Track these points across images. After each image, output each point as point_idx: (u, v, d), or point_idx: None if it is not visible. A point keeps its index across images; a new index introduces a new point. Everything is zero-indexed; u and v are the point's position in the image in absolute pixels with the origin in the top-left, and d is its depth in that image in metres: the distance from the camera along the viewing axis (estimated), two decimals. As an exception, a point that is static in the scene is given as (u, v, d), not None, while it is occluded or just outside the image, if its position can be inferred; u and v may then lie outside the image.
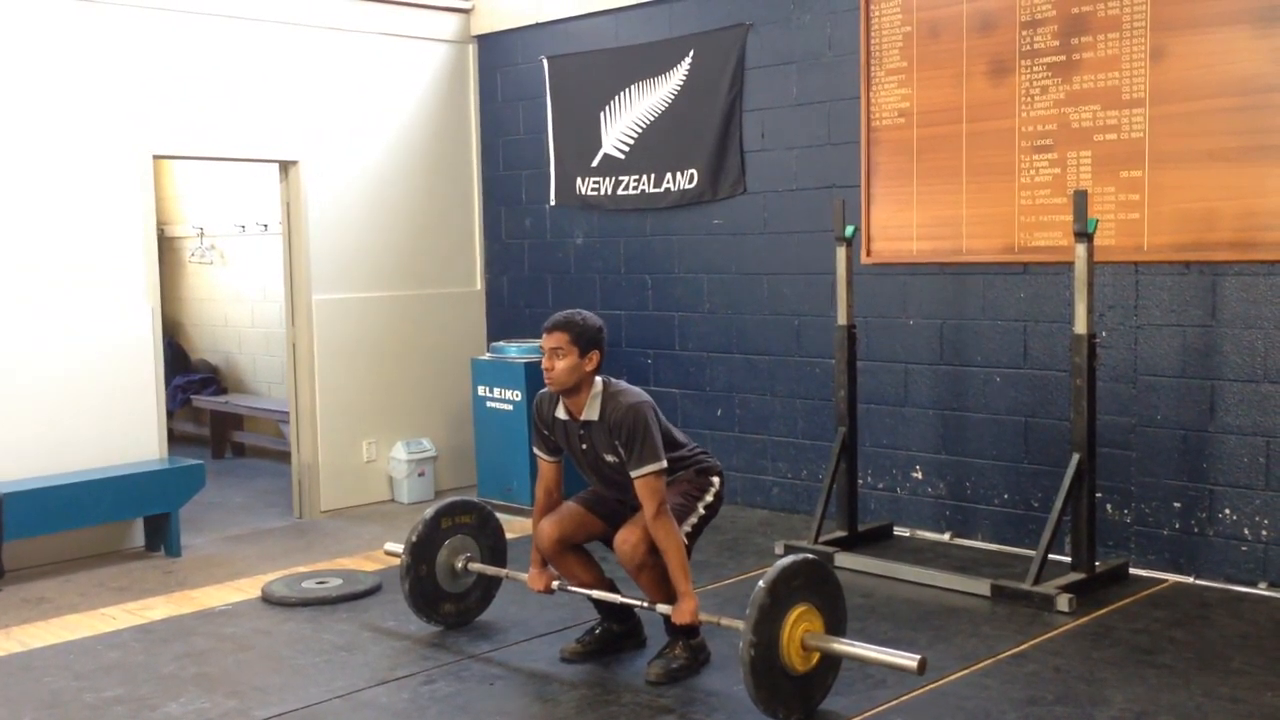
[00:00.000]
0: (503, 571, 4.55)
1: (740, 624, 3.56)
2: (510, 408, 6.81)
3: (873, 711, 3.69)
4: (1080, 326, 4.70)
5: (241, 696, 3.96)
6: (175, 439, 8.13)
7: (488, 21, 7.56)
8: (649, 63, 6.73)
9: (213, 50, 6.55)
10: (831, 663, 3.73)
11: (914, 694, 3.81)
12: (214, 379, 9.34)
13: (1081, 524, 4.81)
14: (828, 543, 5.40)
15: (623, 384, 4.05)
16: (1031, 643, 4.24)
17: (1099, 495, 5.00)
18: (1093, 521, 4.83)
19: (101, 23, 6.14)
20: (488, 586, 4.65)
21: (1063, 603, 4.55)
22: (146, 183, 6.34)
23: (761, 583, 3.56)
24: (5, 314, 5.86)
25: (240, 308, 9.26)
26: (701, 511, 4.10)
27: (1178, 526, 5.02)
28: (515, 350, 6.92)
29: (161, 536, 6.15)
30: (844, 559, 5.24)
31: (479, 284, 7.82)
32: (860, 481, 5.74)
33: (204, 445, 9.00)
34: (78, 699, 3.96)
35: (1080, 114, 5.15)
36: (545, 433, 4.14)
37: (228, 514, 7.07)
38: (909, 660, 3.50)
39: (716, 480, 4.16)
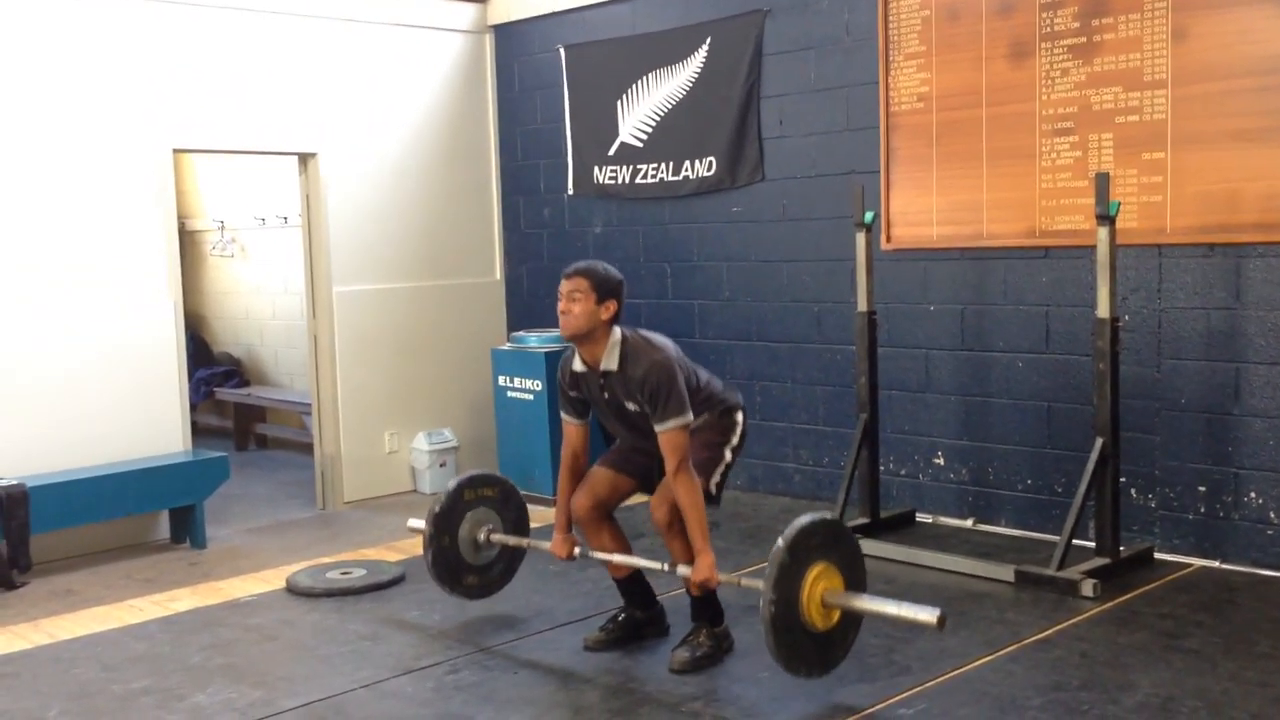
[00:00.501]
0: (525, 541, 4.53)
1: (760, 583, 3.55)
2: (531, 397, 6.82)
3: (897, 698, 3.69)
4: (1103, 310, 4.67)
5: (268, 686, 3.98)
6: (199, 432, 8.16)
7: (504, 11, 7.55)
8: (666, 50, 6.71)
9: (231, 44, 6.57)
10: (852, 620, 3.72)
11: (938, 680, 3.80)
12: (236, 372, 9.39)
13: (1106, 509, 4.78)
14: (850, 529, 5.38)
15: (643, 334, 3.99)
16: (1056, 628, 4.23)
17: (1123, 480, 4.97)
18: (1117, 506, 4.80)
19: (121, 18, 6.16)
20: (511, 559, 4.64)
21: (1087, 588, 4.53)
22: (167, 177, 6.37)
23: (780, 541, 3.55)
24: (29, 309, 5.89)
25: (261, 300, 9.30)
26: (728, 457, 4.08)
27: (1203, 510, 4.99)
28: (535, 340, 6.93)
29: (186, 528, 6.19)
30: (866, 545, 5.18)
31: (498, 274, 7.82)
32: (882, 468, 5.73)
33: (227, 438, 9.05)
34: (106, 690, 4.00)
35: (1101, 96, 5.11)
36: (570, 392, 4.10)
37: (252, 506, 7.11)
38: (929, 614, 3.48)
39: (740, 416, 4.11)
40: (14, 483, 5.57)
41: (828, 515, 3.77)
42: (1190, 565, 4.91)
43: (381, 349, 7.21)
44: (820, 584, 3.60)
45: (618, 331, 3.94)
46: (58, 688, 4.03)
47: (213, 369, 9.34)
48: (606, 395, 3.99)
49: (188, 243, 9.27)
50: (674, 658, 3.98)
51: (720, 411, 4.10)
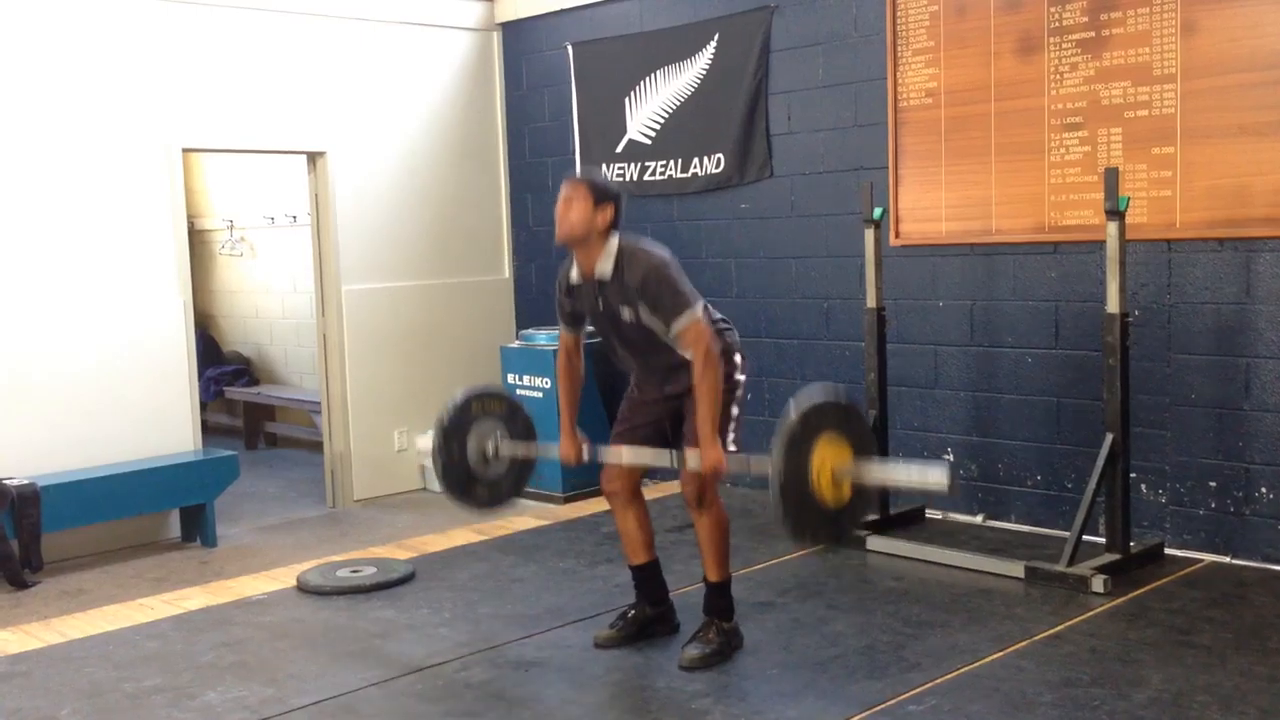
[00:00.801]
0: (534, 447, 4.48)
1: (769, 458, 3.52)
2: (540, 395, 6.82)
3: (908, 694, 3.68)
4: (1113, 305, 4.66)
5: (279, 685, 3.99)
6: (209, 430, 8.20)
7: (512, 8, 7.56)
8: (674, 47, 6.70)
9: (240, 43, 6.58)
10: (861, 496, 3.69)
11: (948, 676, 3.80)
12: (246, 370, 9.41)
13: (1116, 504, 4.77)
14: (860, 526, 5.38)
15: (643, 241, 3.95)
16: (1067, 624, 4.22)
17: (1133, 475, 4.95)
18: (1127, 502, 4.79)
19: (130, 17, 6.18)
20: (519, 473, 4.56)
21: (1098, 584, 4.52)
22: (176, 176, 6.39)
23: (791, 413, 3.52)
24: (39, 309, 5.92)
25: (271, 299, 9.32)
26: (735, 412, 3.99)
27: (1213, 506, 4.98)
28: (545, 338, 6.93)
29: (197, 527, 6.21)
30: (876, 542, 5.23)
31: (507, 272, 7.83)
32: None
33: (237, 436, 9.08)
34: (118, 689, 4.01)
35: (1110, 91, 5.10)
36: (566, 305, 4.09)
37: (262, 504, 7.13)
38: (939, 476, 3.46)
39: (738, 359, 4.03)
40: (25, 482, 5.59)
41: (839, 393, 3.72)
42: (1201, 561, 4.90)
43: (391, 347, 7.22)
44: (830, 457, 3.56)
45: (615, 239, 3.89)
46: (69, 686, 4.05)
47: (222, 368, 9.37)
48: (601, 305, 3.95)
49: (197, 242, 9.28)
50: (684, 654, 3.98)
51: (718, 353, 3.99)
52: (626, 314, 3.89)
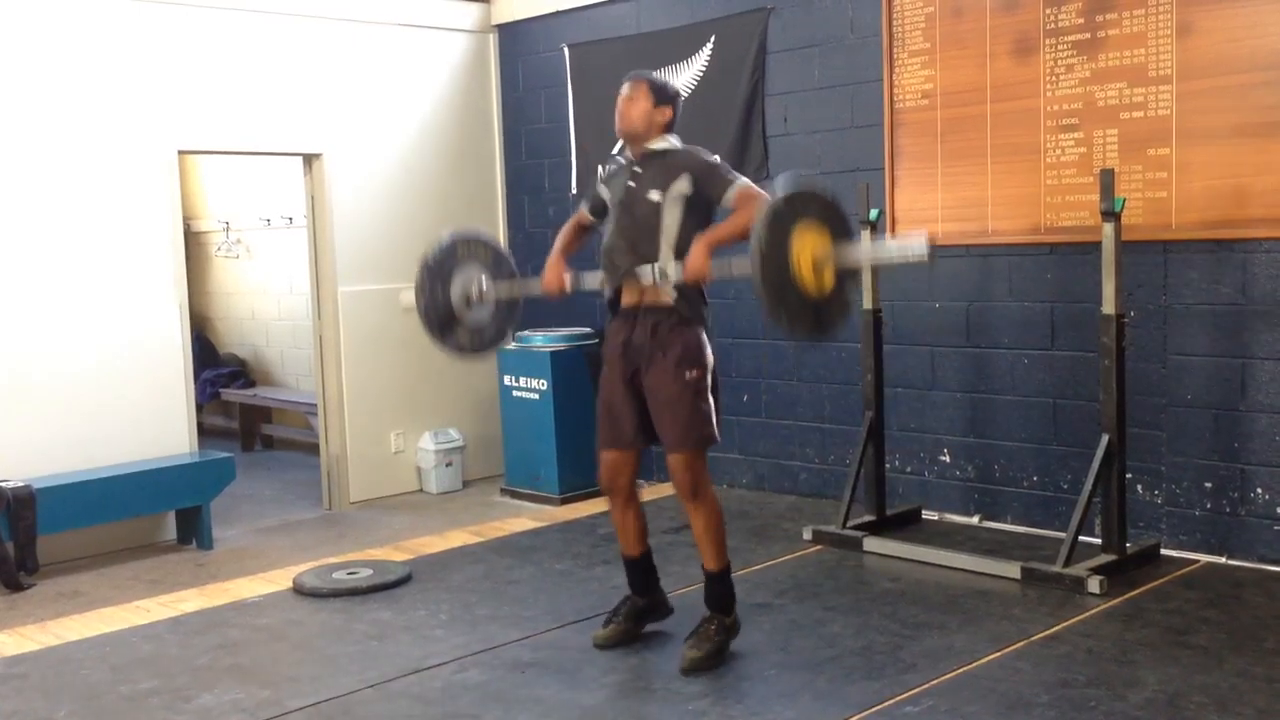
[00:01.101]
0: (516, 286, 4.50)
1: (747, 266, 3.55)
2: (537, 397, 6.82)
3: (904, 695, 3.69)
4: (1109, 307, 4.67)
5: (275, 687, 3.99)
6: (205, 432, 8.19)
7: (508, 10, 7.56)
8: (670, 49, 6.70)
9: (236, 45, 6.58)
10: (843, 285, 3.71)
11: (945, 677, 3.80)
12: (242, 372, 9.40)
13: (1112, 505, 4.78)
14: (856, 527, 5.39)
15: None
16: (1063, 625, 4.22)
17: (1129, 476, 4.96)
18: (1123, 502, 4.80)
19: (125, 19, 6.17)
20: (502, 322, 4.59)
21: (1094, 584, 4.53)
22: (172, 178, 6.38)
23: (776, 195, 3.58)
24: (35, 310, 5.91)
25: (267, 301, 9.31)
26: (712, 401, 4.02)
27: (1209, 506, 4.98)
28: (541, 339, 6.93)
29: (193, 529, 6.20)
30: (872, 543, 5.23)
31: (503, 273, 7.82)
32: (888, 465, 5.72)
33: (233, 438, 9.07)
34: (114, 691, 4.01)
35: (1106, 92, 5.10)
36: (601, 193, 4.21)
37: (258, 506, 7.13)
38: (918, 246, 3.49)
39: (705, 335, 4.04)
40: (21, 484, 5.58)
41: (814, 183, 3.76)
42: (1197, 561, 4.91)
43: (387, 349, 7.22)
44: (810, 244, 3.58)
45: (671, 138, 4.07)
46: (65, 689, 4.04)
47: (218, 370, 9.36)
48: (633, 183, 4.02)
49: (193, 244, 9.27)
50: (684, 657, 3.98)
51: (700, 323, 4.02)
52: (654, 195, 3.96)
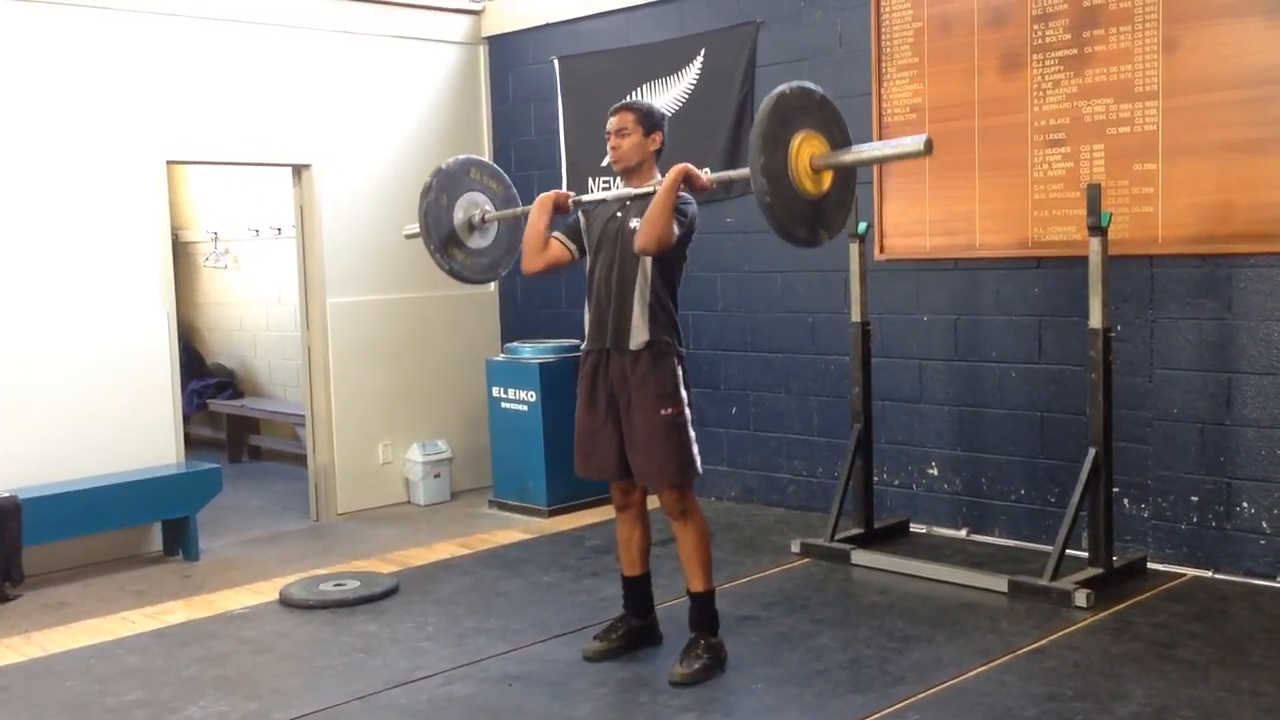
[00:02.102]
0: (518, 210, 4.55)
1: (745, 170, 3.62)
2: (525, 408, 6.81)
3: (891, 709, 3.69)
4: (1095, 320, 4.69)
5: (261, 699, 3.97)
6: (192, 443, 8.16)
7: (498, 22, 7.57)
8: (661, 62, 6.72)
9: (225, 56, 6.57)
10: (843, 184, 3.79)
11: (932, 690, 3.80)
12: (230, 383, 9.38)
13: (1099, 519, 4.79)
14: (844, 540, 5.40)
15: None
16: (1050, 638, 4.23)
17: (1116, 490, 4.97)
18: (1110, 516, 4.81)
19: (114, 30, 6.16)
20: (499, 255, 4.67)
21: (1081, 598, 4.54)
22: (160, 188, 6.37)
23: (761, 110, 3.61)
24: (22, 320, 5.89)
25: (255, 311, 9.29)
26: (693, 434, 4.03)
27: (1195, 520, 5.00)
28: (529, 351, 6.93)
29: (179, 540, 6.18)
30: (860, 556, 5.24)
31: (492, 285, 7.82)
32: (876, 478, 5.73)
33: (221, 449, 9.04)
34: (99, 703, 3.99)
35: (1093, 107, 5.13)
36: (579, 222, 4.21)
37: (245, 517, 7.10)
38: (915, 143, 3.51)
39: (680, 371, 4.06)
40: (6, 494, 5.55)
41: (806, 84, 3.78)
42: (1183, 575, 4.92)
43: (375, 360, 7.21)
44: (806, 149, 3.64)
45: (659, 173, 4.10)
46: (50, 701, 4.02)
47: (206, 380, 9.33)
48: (619, 215, 4.06)
49: (181, 254, 9.25)
50: (673, 671, 3.98)
51: (675, 355, 4.04)
52: (634, 224, 3.98)
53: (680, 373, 4.03)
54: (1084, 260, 4.80)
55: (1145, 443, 5.11)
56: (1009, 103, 5.37)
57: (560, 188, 7.27)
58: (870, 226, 5.67)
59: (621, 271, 4.02)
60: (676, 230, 3.88)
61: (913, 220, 5.73)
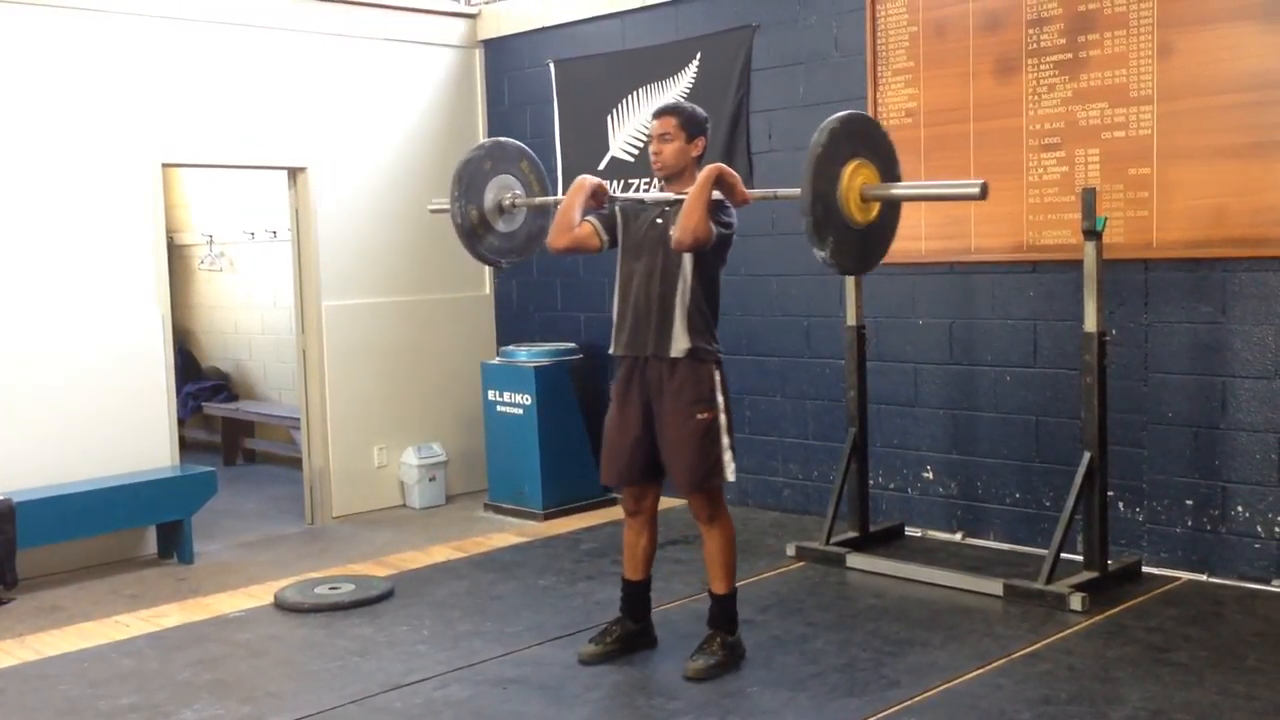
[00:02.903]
0: (550, 199, 4.56)
1: (797, 190, 3.63)
2: (521, 412, 6.81)
3: (886, 712, 3.69)
4: (1090, 324, 4.69)
5: (256, 703, 3.97)
6: (187, 446, 8.15)
7: (494, 26, 7.57)
8: (656, 66, 6.73)
9: (221, 58, 6.57)
10: (890, 215, 3.83)
11: (927, 694, 3.80)
12: (225, 386, 9.37)
13: (1094, 522, 4.79)
14: (839, 543, 5.40)
15: None
16: (1045, 642, 4.23)
17: (1111, 493, 4.98)
18: (1105, 520, 4.82)
19: (110, 32, 6.16)
20: (530, 236, 4.68)
21: (1076, 601, 4.54)
22: (156, 191, 6.37)
23: (816, 136, 3.62)
24: (16, 322, 5.88)
25: (250, 314, 9.29)
26: (727, 442, 4.01)
27: (1190, 524, 5.01)
28: (525, 354, 6.93)
29: (174, 543, 6.17)
30: (855, 560, 5.24)
31: (488, 288, 7.83)
32: (871, 482, 5.74)
33: (216, 452, 9.03)
34: (92, 706, 3.98)
35: (1088, 112, 5.14)
36: (614, 218, 4.14)
37: (240, 520, 7.09)
38: (971, 188, 3.59)
39: (718, 376, 4.04)
40: (1, 498, 5.54)
41: (858, 113, 3.83)
42: (1178, 579, 4.93)
43: (371, 363, 7.20)
44: (858, 178, 3.68)
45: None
46: (44, 704, 4.01)
47: (201, 383, 9.32)
48: (659, 220, 4.01)
49: (176, 257, 9.24)
50: (689, 666, 4.00)
51: (714, 362, 4.03)
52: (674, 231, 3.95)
53: (717, 378, 4.03)
54: (1079, 264, 4.80)
55: (1140, 446, 5.12)
56: (1004, 107, 5.38)
57: (557, 191, 7.29)
58: (866, 230, 5.68)
59: (663, 279, 3.99)
60: (714, 230, 3.86)
61: (908, 224, 5.67)
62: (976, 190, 3.58)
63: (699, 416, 3.97)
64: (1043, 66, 5.26)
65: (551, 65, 7.29)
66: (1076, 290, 4.98)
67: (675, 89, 6.65)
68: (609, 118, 6.98)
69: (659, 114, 4.07)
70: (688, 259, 3.96)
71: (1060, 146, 5.23)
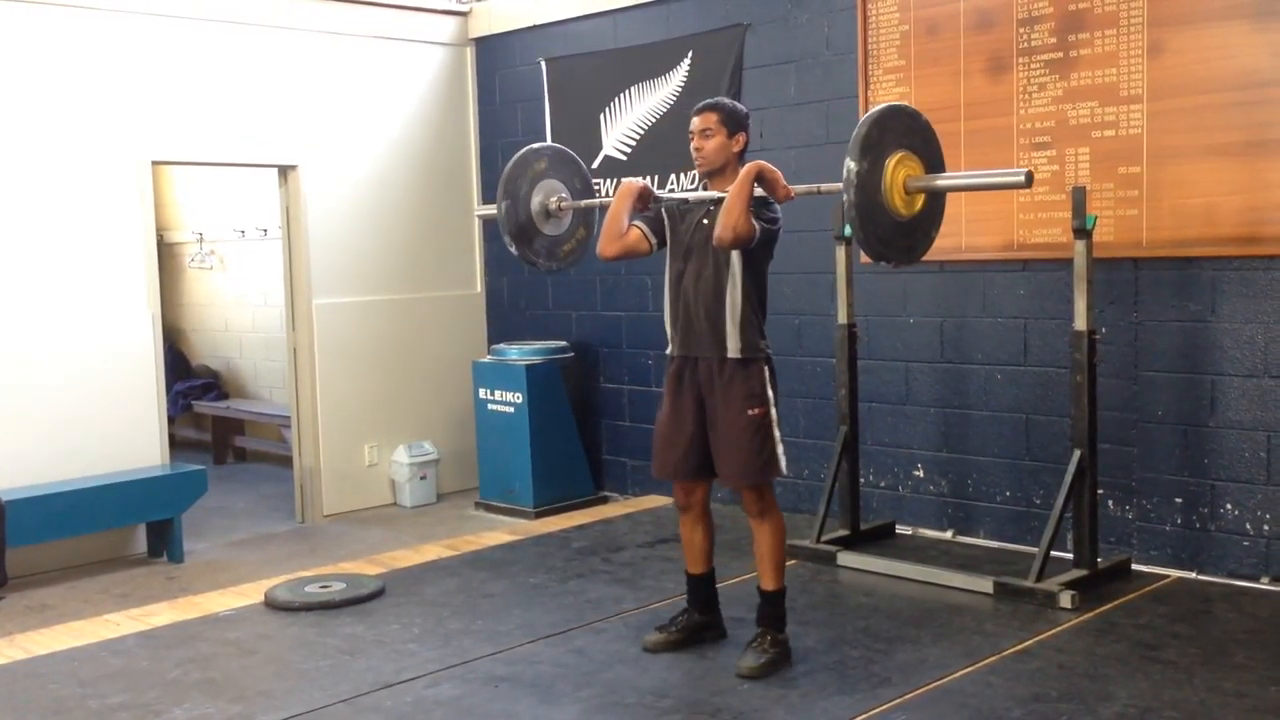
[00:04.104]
0: (595, 201, 4.60)
1: (839, 185, 3.66)
2: (512, 410, 6.81)
3: (877, 709, 3.69)
4: (1080, 323, 4.70)
5: (246, 702, 3.96)
6: (177, 445, 8.14)
7: (485, 24, 7.57)
8: (648, 64, 6.73)
9: (211, 56, 6.56)
10: (933, 208, 3.86)
11: (918, 692, 3.81)
12: (215, 384, 9.35)
13: (1083, 520, 4.81)
14: (830, 542, 5.40)
15: None
16: (1035, 639, 4.24)
17: (1101, 491, 4.99)
18: (1095, 518, 4.83)
19: (100, 30, 6.15)
20: (581, 235, 4.71)
21: (1066, 599, 4.55)
22: (146, 189, 6.35)
23: (866, 117, 3.67)
24: (6, 321, 5.87)
25: (241, 313, 9.27)
26: (778, 435, 4.02)
27: (1180, 522, 5.02)
28: (516, 352, 6.93)
29: (164, 542, 6.16)
30: (846, 558, 5.24)
31: (479, 286, 7.82)
32: (862, 480, 5.74)
33: (206, 451, 9.01)
34: (82, 705, 3.97)
35: (1078, 111, 5.15)
36: (661, 220, 4.14)
37: (230, 519, 7.08)
38: (1016, 175, 3.65)
39: (768, 373, 4.04)
40: (-10, 496, 5.53)
41: (902, 104, 3.86)
42: (1167, 576, 4.94)
43: (362, 362, 7.19)
44: (902, 170, 3.71)
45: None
46: (34, 703, 4.00)
47: (191, 382, 9.30)
48: (705, 221, 4.00)
49: (166, 255, 9.23)
50: (740, 664, 4.02)
51: (764, 359, 4.02)
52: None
53: (768, 375, 4.04)
54: (1069, 263, 4.81)
55: (1130, 444, 5.13)
56: (995, 106, 5.39)
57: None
58: (857, 229, 5.68)
59: (714, 280, 4.00)
60: (757, 226, 3.85)
61: (899, 223, 5.73)
62: (1022, 179, 3.63)
63: (750, 413, 3.98)
64: (1033, 65, 5.27)
65: (543, 63, 7.28)
66: (1067, 288, 4.99)
67: (667, 88, 6.65)
68: (602, 116, 6.98)
69: (700, 110, 4.08)
70: (736, 258, 3.96)
71: (1051, 145, 5.24)
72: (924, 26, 5.59)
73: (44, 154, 5.99)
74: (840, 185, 3.67)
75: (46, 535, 5.72)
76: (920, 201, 3.80)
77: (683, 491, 4.23)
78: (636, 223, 4.13)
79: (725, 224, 3.79)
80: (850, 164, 3.64)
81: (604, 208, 4.29)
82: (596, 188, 6.99)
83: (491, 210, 4.64)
